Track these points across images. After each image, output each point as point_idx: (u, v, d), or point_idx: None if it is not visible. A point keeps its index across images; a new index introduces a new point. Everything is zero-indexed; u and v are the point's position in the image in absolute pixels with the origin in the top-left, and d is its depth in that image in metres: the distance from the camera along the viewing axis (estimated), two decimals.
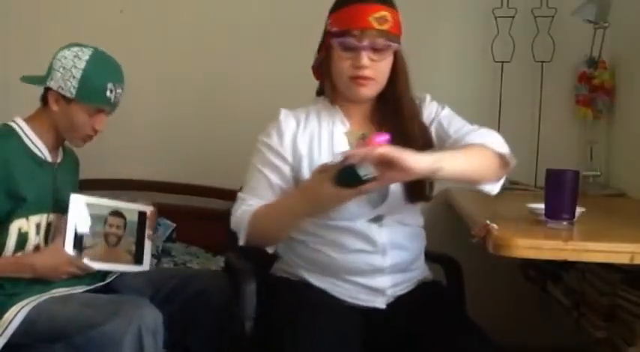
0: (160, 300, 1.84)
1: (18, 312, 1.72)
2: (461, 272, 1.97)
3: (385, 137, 1.43)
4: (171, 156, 2.78)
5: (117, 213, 1.92)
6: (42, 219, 1.87)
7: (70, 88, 1.84)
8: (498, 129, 2.56)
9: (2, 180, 1.78)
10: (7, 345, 1.70)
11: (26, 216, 1.83)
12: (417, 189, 1.67)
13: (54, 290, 1.82)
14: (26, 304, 1.74)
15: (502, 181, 1.66)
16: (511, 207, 1.92)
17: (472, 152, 1.58)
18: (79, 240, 1.83)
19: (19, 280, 1.80)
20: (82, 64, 1.84)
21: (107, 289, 1.93)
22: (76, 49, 1.87)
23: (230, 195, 2.76)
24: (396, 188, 1.67)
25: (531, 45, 2.58)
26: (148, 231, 2.00)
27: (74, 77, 1.83)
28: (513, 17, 2.57)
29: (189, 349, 1.92)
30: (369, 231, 1.67)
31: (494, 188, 1.66)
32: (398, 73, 1.69)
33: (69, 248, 1.82)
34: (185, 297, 1.90)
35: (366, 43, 1.61)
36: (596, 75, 2.50)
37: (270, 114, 2.76)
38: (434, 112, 1.75)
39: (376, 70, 1.65)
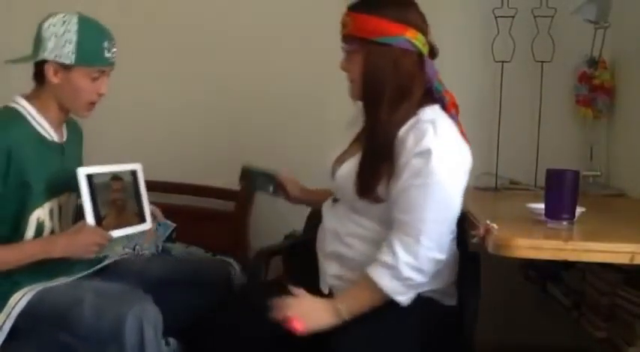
0: (161, 288, 1.90)
1: (22, 297, 1.75)
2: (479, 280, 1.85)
3: (298, 328, 1.59)
4: (171, 156, 2.78)
5: (116, 178, 1.91)
6: (54, 203, 1.86)
7: (69, 53, 1.78)
8: (498, 129, 2.60)
9: (11, 170, 1.74)
10: (13, 331, 1.73)
11: (42, 204, 1.82)
12: (366, 184, 1.68)
13: (60, 278, 1.85)
14: (30, 290, 1.77)
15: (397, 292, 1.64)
16: (511, 207, 1.92)
17: (369, 302, 1.64)
18: (97, 213, 1.81)
19: (25, 269, 1.78)
20: (74, 28, 1.78)
21: (109, 276, 1.97)
22: (60, 15, 1.81)
23: (230, 195, 2.78)
24: (346, 172, 1.73)
25: (531, 45, 2.58)
26: (143, 187, 1.99)
27: (70, 42, 1.77)
28: (513, 17, 2.57)
29: (190, 336, 1.97)
30: (324, 209, 1.84)
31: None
32: (362, 75, 1.71)
33: (91, 222, 1.80)
34: (186, 285, 1.98)
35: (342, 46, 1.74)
36: (596, 75, 2.50)
37: (271, 114, 2.78)
38: (407, 168, 1.64)
39: (350, 73, 1.74)
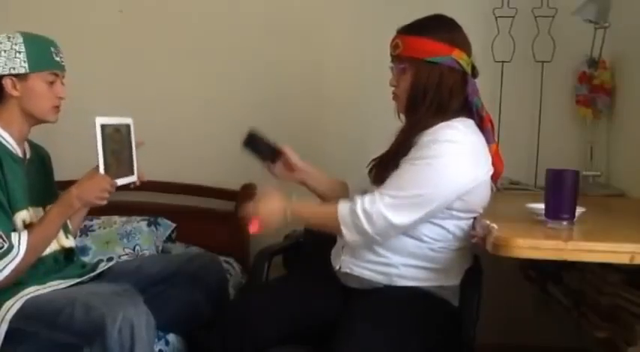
0: (158, 285, 1.96)
1: (15, 302, 1.78)
2: (480, 283, 1.92)
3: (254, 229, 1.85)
4: (171, 156, 2.78)
5: (117, 130, 1.96)
6: (35, 211, 1.91)
7: (21, 63, 1.87)
8: (498, 129, 2.59)
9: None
10: (10, 334, 1.75)
11: (24, 207, 1.87)
12: (379, 172, 1.83)
13: (50, 283, 1.88)
14: (22, 296, 1.79)
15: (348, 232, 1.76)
16: (511, 207, 1.92)
17: (320, 217, 1.87)
18: (107, 162, 1.87)
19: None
20: (19, 40, 1.88)
21: (104, 279, 2.00)
22: (2, 35, 1.90)
23: (230, 195, 2.78)
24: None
25: (531, 45, 2.58)
26: (134, 141, 2.03)
27: (19, 52, 1.88)
28: (514, 17, 2.57)
29: (192, 333, 2.02)
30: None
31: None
32: (408, 90, 1.84)
33: (102, 170, 1.86)
34: (183, 281, 2.00)
35: (391, 66, 1.89)
36: (596, 75, 2.50)
37: (270, 114, 2.77)
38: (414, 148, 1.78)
39: (398, 88, 1.87)
